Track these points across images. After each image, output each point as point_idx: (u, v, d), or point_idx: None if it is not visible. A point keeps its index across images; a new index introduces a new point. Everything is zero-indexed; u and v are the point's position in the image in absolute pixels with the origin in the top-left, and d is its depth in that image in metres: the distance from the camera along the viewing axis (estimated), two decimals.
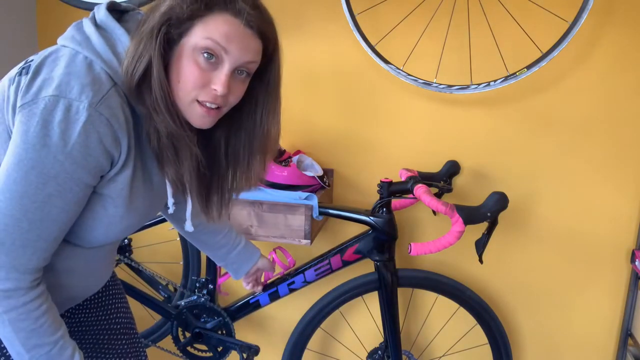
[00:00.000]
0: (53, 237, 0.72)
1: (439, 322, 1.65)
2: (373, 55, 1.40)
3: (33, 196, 0.68)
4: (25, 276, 0.71)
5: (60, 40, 0.74)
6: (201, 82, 0.74)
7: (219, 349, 1.48)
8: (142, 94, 0.73)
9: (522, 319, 1.59)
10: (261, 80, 0.84)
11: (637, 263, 1.39)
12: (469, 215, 1.10)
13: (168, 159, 0.78)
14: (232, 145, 0.88)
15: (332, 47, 1.54)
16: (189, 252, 1.65)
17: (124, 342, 1.04)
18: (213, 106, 0.76)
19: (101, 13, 0.76)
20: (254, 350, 1.43)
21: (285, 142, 1.60)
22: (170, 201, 0.86)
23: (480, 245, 1.12)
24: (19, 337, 0.72)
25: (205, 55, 0.72)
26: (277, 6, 1.55)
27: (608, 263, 1.48)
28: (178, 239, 1.74)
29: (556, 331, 1.57)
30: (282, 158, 1.48)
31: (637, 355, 1.44)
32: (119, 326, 1.04)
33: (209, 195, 0.90)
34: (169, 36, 0.73)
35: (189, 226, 0.96)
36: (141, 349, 1.11)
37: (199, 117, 0.77)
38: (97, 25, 0.75)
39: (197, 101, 0.76)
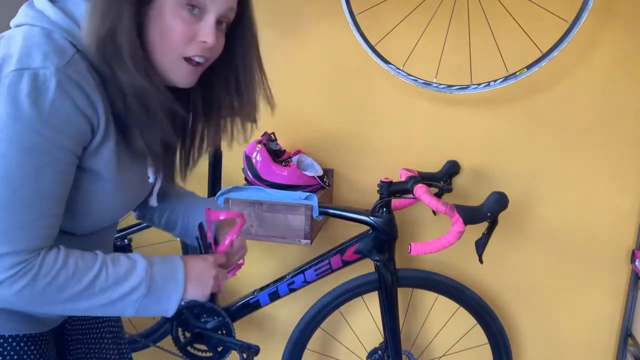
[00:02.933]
0: (52, 214, 0.69)
1: (439, 322, 1.65)
2: (373, 55, 1.40)
3: (19, 172, 0.64)
4: (32, 255, 0.68)
5: (13, 22, 0.72)
6: (188, 36, 0.73)
7: (219, 349, 1.48)
8: (107, 53, 0.69)
9: (522, 319, 1.59)
10: (235, 34, 0.82)
11: (637, 263, 1.39)
12: (469, 215, 1.09)
13: (138, 120, 0.74)
14: (208, 104, 0.86)
15: (332, 47, 1.54)
16: (189, 252, 1.65)
17: (115, 352, 1.01)
18: (201, 60, 0.75)
19: None
20: (254, 350, 1.43)
21: (285, 142, 1.60)
22: (150, 169, 0.83)
23: (480, 245, 1.12)
24: (73, 289, 0.70)
25: (189, 7, 0.71)
26: (277, 6, 1.55)
27: (608, 263, 1.48)
28: (178, 239, 1.74)
29: (556, 331, 1.57)
30: (282, 158, 1.48)
31: (637, 355, 1.44)
32: (110, 335, 1.01)
33: (173, 158, 0.89)
34: None
35: (153, 200, 0.92)
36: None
37: (185, 76, 0.76)
38: (51, 0, 0.72)
39: (184, 58, 0.74)
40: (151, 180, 0.84)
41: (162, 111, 0.76)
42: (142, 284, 0.75)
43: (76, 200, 0.74)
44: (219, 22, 0.76)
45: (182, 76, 0.76)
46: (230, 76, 0.84)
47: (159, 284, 0.77)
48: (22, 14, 0.71)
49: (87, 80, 0.68)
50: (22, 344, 0.79)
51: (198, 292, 0.82)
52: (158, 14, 0.71)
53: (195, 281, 0.82)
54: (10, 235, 0.66)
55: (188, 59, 0.75)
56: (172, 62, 0.74)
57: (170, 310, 0.79)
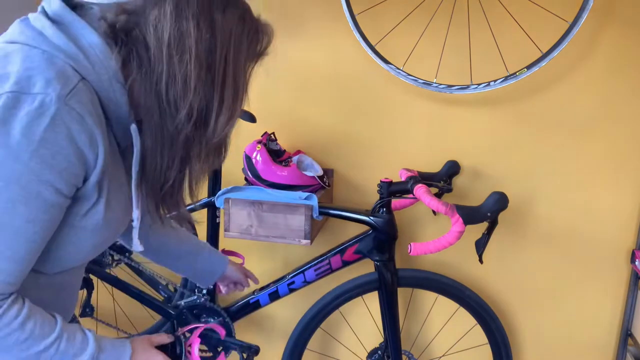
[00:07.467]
0: (20, 257, 0.62)
1: (439, 322, 1.65)
2: (373, 55, 1.40)
3: None
4: None
5: (4, 38, 0.66)
6: None
7: (219, 349, 1.48)
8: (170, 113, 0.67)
9: (522, 319, 1.59)
10: None
11: (637, 263, 1.39)
12: (469, 215, 1.09)
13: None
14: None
15: (332, 47, 1.54)
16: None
17: None
18: None
19: (54, 5, 0.66)
20: (254, 350, 1.43)
21: (285, 142, 1.60)
22: (136, 213, 0.76)
23: (481, 245, 1.12)
24: (17, 355, 0.64)
25: None
26: (277, 6, 1.54)
27: (608, 263, 1.48)
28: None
29: (556, 331, 1.57)
30: (282, 158, 1.48)
31: (637, 355, 1.44)
32: None
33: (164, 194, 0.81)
34: None
35: (137, 246, 0.84)
36: None
37: None
38: (51, 19, 0.66)
39: None
40: (135, 224, 0.78)
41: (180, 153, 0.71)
42: None
43: (51, 240, 0.67)
44: None
45: None
46: None
47: None
48: (17, 32, 0.65)
49: (90, 112, 0.63)
50: None
51: None
52: None
53: None
54: None
55: None
56: None
57: None
